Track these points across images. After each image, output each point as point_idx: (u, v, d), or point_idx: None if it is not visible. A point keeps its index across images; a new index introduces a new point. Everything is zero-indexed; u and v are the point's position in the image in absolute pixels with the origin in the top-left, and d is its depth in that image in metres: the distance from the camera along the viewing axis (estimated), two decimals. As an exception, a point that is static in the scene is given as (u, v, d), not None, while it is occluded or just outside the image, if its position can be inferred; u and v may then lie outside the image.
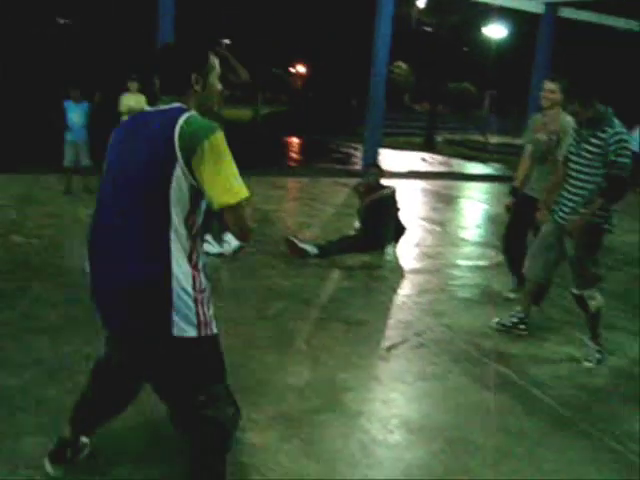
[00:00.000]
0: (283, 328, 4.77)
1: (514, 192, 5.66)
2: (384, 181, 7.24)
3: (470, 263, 7.06)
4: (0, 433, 3.16)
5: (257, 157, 14.19)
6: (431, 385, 4.06)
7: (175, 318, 2.37)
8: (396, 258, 6.90)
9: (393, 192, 7.05)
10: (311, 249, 6.58)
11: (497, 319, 5.06)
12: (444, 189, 12.81)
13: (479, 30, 32.19)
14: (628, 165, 4.25)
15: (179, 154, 2.27)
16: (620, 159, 4.24)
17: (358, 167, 14.84)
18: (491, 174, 16.47)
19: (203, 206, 2.42)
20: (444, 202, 11.34)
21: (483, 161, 20.63)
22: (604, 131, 4.27)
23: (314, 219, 8.67)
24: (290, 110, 38.19)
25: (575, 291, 4.58)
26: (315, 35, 33.74)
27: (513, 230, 5.70)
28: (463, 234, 8.60)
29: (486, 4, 15.50)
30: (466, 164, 20.29)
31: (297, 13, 31.45)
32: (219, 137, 2.32)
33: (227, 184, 2.30)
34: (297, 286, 5.77)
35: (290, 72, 52.88)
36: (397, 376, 4.16)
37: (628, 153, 4.26)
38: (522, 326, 4.96)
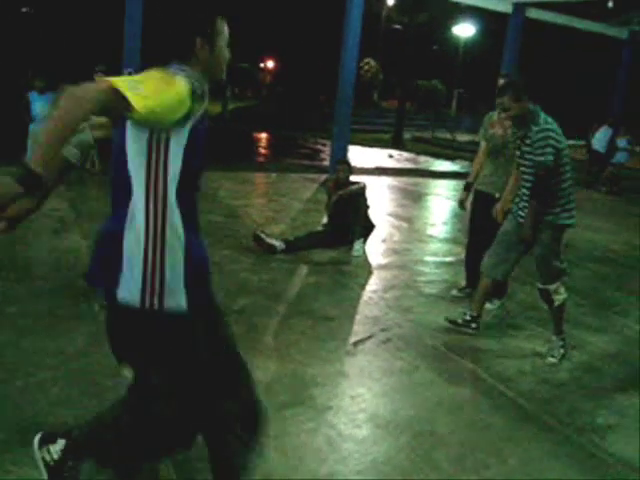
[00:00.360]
0: (250, 323, 4.75)
1: (467, 187, 5.83)
2: (353, 177, 7.26)
3: (437, 259, 7.11)
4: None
5: (225, 152, 14.11)
6: (398, 380, 4.08)
7: (122, 278, 2.20)
8: (364, 254, 6.93)
9: (363, 188, 7.07)
10: (279, 244, 6.57)
11: (446, 316, 5.04)
12: (412, 186, 12.89)
13: (448, 29, 32.46)
14: (543, 163, 4.32)
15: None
16: (538, 158, 4.35)
17: (326, 163, 14.85)
18: (458, 171, 16.58)
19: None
20: (411, 199, 11.40)
21: (450, 158, 20.79)
22: (531, 129, 4.39)
23: (282, 214, 8.65)
24: (259, 105, 38.08)
25: (541, 286, 4.66)
26: (285, 30, 33.69)
27: (474, 227, 5.78)
28: (430, 230, 8.66)
29: (455, 3, 15.61)
30: (434, 161, 20.44)
31: (267, 8, 31.36)
32: (162, 71, 2.14)
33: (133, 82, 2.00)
34: (264, 281, 5.76)
35: (259, 67, 52.71)
36: (364, 371, 4.18)
37: (547, 150, 4.31)
38: (474, 324, 4.90)
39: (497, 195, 5.27)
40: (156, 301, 2.19)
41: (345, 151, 12.56)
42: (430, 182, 13.99)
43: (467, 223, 6.08)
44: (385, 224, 8.49)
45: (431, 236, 8.32)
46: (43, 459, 2.53)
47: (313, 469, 3.07)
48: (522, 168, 4.58)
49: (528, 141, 4.43)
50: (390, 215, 9.29)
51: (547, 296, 4.66)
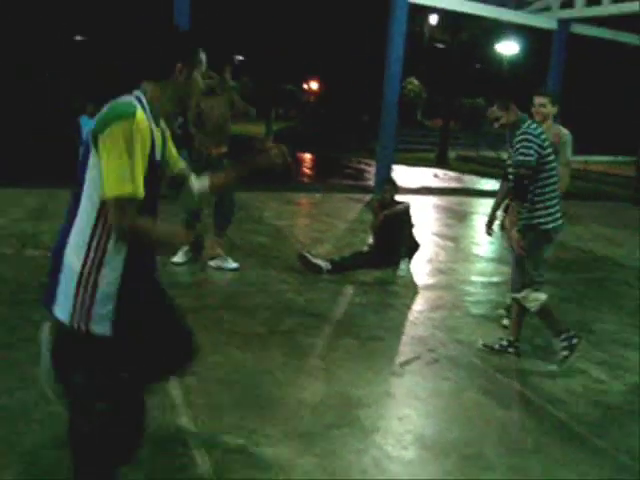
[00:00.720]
0: (296, 343, 4.78)
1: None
2: (398, 197, 7.26)
3: (483, 279, 7.05)
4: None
5: (270, 173, 14.18)
6: (445, 401, 4.05)
7: (58, 295, 2.35)
8: (410, 274, 6.90)
9: (407, 208, 7.06)
10: (325, 264, 6.60)
11: (483, 342, 4.93)
12: (457, 205, 12.81)
13: (491, 47, 32.29)
14: (523, 162, 4.41)
15: (91, 138, 2.26)
16: (519, 157, 4.45)
17: (370, 183, 14.87)
18: (504, 190, 16.41)
19: None
20: (457, 218, 11.34)
21: (496, 177, 20.59)
22: (517, 135, 4.51)
23: (327, 234, 8.69)
24: (302, 126, 38.36)
25: (512, 295, 4.74)
26: (328, 52, 33.96)
27: None
28: (476, 250, 8.59)
29: (498, 21, 15.55)
30: (479, 180, 20.29)
31: (310, 30, 31.68)
32: (124, 126, 2.20)
33: (114, 175, 2.19)
34: (310, 301, 5.78)
35: (303, 88, 53.17)
36: (411, 392, 4.16)
37: (530, 152, 4.40)
38: (511, 349, 4.80)
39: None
40: (83, 326, 2.32)
41: (389, 171, 12.57)
42: (475, 201, 13.89)
43: None
44: (430, 244, 8.45)
45: (477, 255, 8.26)
46: None
47: (360, 491, 3.06)
48: (510, 177, 4.72)
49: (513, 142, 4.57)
50: (435, 234, 9.26)
51: (519, 304, 4.68)
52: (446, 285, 6.68)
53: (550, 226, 4.52)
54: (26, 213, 8.60)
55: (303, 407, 3.79)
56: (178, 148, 8.05)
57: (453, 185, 18.45)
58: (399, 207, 7.05)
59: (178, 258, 6.61)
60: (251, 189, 10.29)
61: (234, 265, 6.63)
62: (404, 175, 18.08)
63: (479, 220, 11.76)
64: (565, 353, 4.55)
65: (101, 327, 2.33)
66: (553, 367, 4.55)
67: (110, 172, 2.19)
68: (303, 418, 3.66)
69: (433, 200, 13.12)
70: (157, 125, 2.42)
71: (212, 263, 6.66)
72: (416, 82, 43.68)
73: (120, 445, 2.52)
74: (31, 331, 4.60)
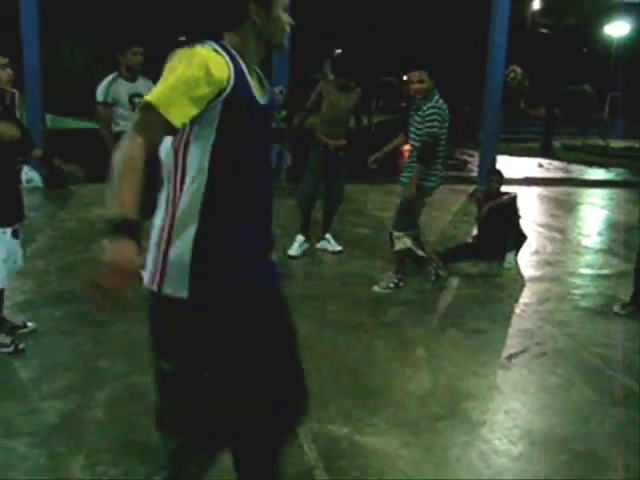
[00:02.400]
0: (401, 335, 4.77)
1: None
2: (503, 188, 7.11)
3: (592, 271, 6.81)
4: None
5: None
6: (554, 396, 3.95)
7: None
8: (516, 266, 6.75)
9: (514, 199, 6.91)
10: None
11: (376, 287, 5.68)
12: (563, 195, 12.40)
13: (600, 29, 31.02)
14: (433, 134, 5.40)
15: None
16: (429, 129, 5.39)
17: (474, 174, 14.59)
18: (613, 179, 15.78)
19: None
20: (564, 209, 10.97)
21: (604, 166, 19.80)
22: (426, 104, 5.41)
23: (431, 226, 8.59)
24: (403, 118, 38.06)
25: (390, 228, 5.70)
26: (428, 41, 33.55)
27: None
28: (585, 241, 8.30)
29: (607, 0, 14.87)
30: (586, 169, 19.55)
31: (410, 20, 31.39)
32: (185, 52, 1.95)
33: (158, 87, 1.91)
34: (414, 293, 5.76)
35: (403, 80, 52.81)
36: (519, 386, 4.08)
37: (435, 124, 5.39)
38: (401, 283, 5.72)
39: None
40: (155, 286, 2.02)
41: (493, 161, 12.29)
42: (583, 191, 13.40)
43: None
44: (537, 235, 8.22)
45: (586, 247, 7.97)
46: None
47: (467, 483, 3.04)
48: (410, 137, 5.60)
49: (420, 112, 5.42)
50: (542, 226, 8.99)
51: (390, 238, 5.68)
52: (554, 277, 6.49)
53: (431, 184, 5.59)
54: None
55: (409, 398, 3.79)
56: (281, 141, 8.26)
57: (559, 175, 17.86)
58: (505, 198, 6.90)
59: (293, 251, 6.75)
60: (352, 181, 10.33)
61: (339, 247, 6.99)
62: (508, 165, 17.66)
63: (587, 211, 11.36)
64: (392, 285, 5.73)
65: (174, 287, 2.01)
66: (378, 289, 5.70)
67: (156, 85, 1.92)
68: (409, 409, 3.66)
69: (538, 191, 12.74)
70: (250, 72, 2.08)
71: (319, 245, 7.02)
72: (519, 70, 42.53)
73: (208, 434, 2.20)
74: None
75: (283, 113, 10.56)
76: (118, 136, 5.51)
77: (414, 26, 31.82)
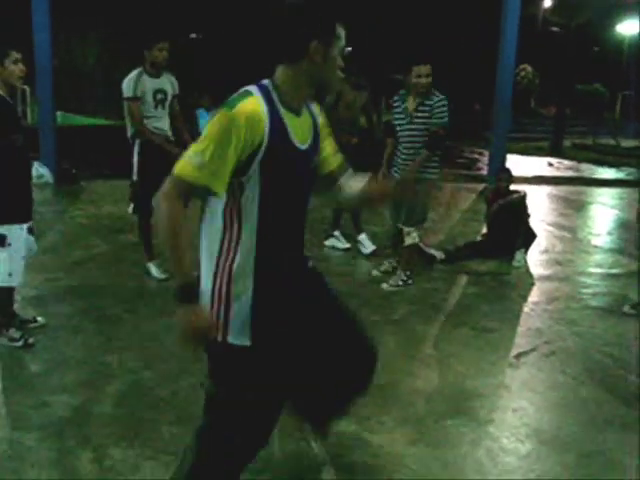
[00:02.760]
0: (410, 332, 4.77)
1: None
2: (513, 186, 7.09)
3: (602, 271, 6.78)
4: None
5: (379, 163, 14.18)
6: (563, 395, 3.94)
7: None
8: (525, 265, 6.73)
9: (523, 197, 6.89)
10: (438, 254, 6.57)
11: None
12: (573, 195, 12.35)
13: (611, 27, 30.87)
14: (446, 124, 5.51)
15: None
16: (441, 120, 5.49)
17: (484, 172, 14.55)
18: (623, 179, 15.69)
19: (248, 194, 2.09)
20: (573, 208, 10.93)
21: (615, 165, 19.69)
22: (431, 99, 5.47)
23: (440, 224, 8.58)
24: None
25: (400, 225, 5.69)
26: (437, 39, 33.45)
27: None
28: (594, 241, 8.26)
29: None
30: (596, 169, 19.45)
31: (418, 16, 31.31)
32: (221, 115, 2.02)
33: (187, 156, 2.03)
34: (423, 291, 5.75)
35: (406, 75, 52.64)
36: (527, 384, 4.07)
37: (446, 114, 5.51)
38: (410, 281, 5.71)
39: None
40: (220, 336, 2.15)
41: (503, 160, 12.25)
42: (593, 190, 13.34)
43: None
44: (546, 234, 8.19)
45: (595, 247, 7.94)
46: None
47: (475, 482, 3.03)
48: (414, 132, 5.51)
49: (427, 107, 5.44)
50: (551, 225, 8.96)
51: (401, 235, 5.70)
52: (563, 276, 6.47)
53: (434, 177, 5.62)
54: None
55: (417, 395, 3.79)
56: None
57: (569, 174, 17.77)
58: (515, 197, 6.88)
59: (341, 245, 6.99)
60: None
61: (347, 245, 7.01)
62: (518, 164, 17.60)
63: (597, 210, 11.32)
64: (401, 282, 5.74)
65: (239, 337, 2.15)
66: (387, 287, 5.70)
67: (186, 153, 2.04)
68: (417, 406, 3.66)
69: (548, 189, 12.69)
70: (297, 113, 2.15)
71: (327, 242, 7.06)
72: (530, 69, 42.37)
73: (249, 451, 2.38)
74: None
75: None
76: (135, 135, 5.52)
77: (423, 24, 31.73)
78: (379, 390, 3.80)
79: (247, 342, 2.15)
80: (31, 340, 4.24)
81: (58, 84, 11.11)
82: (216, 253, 2.14)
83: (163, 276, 5.61)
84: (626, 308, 5.39)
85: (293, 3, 2.15)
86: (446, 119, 5.48)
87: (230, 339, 2.15)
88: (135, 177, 5.55)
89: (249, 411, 2.23)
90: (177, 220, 2.00)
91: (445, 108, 5.47)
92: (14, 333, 4.22)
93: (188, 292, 2.06)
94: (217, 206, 2.12)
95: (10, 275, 4.09)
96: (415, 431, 3.41)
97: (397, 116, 5.68)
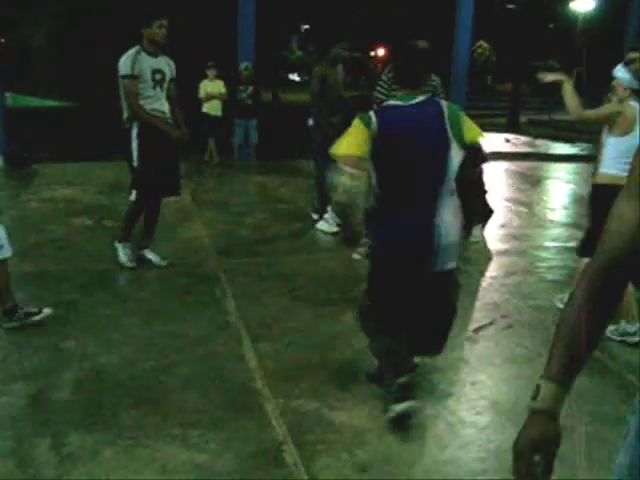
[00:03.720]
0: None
1: None
2: (469, 162, 7.13)
3: (558, 245, 6.89)
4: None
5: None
6: (520, 368, 4.00)
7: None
8: (483, 240, 6.80)
9: (480, 173, 6.92)
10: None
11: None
12: (529, 170, 12.51)
13: (565, 4, 31.15)
14: None
15: (451, 133, 3.12)
16: None
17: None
18: (578, 154, 15.91)
19: None
20: (530, 183, 11.08)
21: (570, 141, 19.96)
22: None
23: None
24: (370, 93, 37.94)
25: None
26: (395, 16, 33.39)
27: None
28: (550, 215, 8.39)
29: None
30: (552, 144, 19.71)
31: (376, -5, 31.18)
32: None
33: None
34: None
35: (370, 55, 52.58)
36: (485, 358, 4.13)
37: None
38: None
39: None
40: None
41: (459, 136, 12.32)
42: (549, 166, 13.53)
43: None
44: (503, 209, 8.29)
45: (551, 221, 8.07)
46: None
47: (434, 455, 3.07)
48: None
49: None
50: (508, 200, 9.07)
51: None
52: (520, 251, 6.56)
53: None
54: (103, 186, 8.79)
55: (376, 372, 3.81)
56: (247, 117, 8.23)
57: (525, 150, 17.97)
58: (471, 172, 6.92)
59: (332, 228, 6.78)
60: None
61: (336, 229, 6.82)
62: (474, 141, 17.69)
63: (553, 185, 11.49)
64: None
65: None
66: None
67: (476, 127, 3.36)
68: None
69: (505, 165, 12.83)
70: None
71: (318, 226, 6.97)
72: (486, 45, 42.58)
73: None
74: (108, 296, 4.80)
75: (249, 89, 10.47)
76: (131, 117, 5.23)
77: (379, 1, 31.61)
78: (339, 368, 3.83)
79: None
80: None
81: (6, 64, 10.80)
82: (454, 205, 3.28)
83: (130, 264, 5.48)
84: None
85: (424, 49, 3.42)
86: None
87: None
88: (136, 163, 5.23)
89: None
90: None
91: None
92: None
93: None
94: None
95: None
96: (375, 407, 3.43)
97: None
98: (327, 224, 6.86)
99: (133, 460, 2.91)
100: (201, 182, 9.25)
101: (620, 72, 4.36)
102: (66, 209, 7.42)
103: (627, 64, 4.41)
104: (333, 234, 6.72)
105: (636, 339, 4.40)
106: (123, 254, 5.50)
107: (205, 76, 10.70)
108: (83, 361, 3.85)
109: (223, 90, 10.84)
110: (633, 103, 4.27)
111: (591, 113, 4.63)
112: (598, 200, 4.37)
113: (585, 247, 4.53)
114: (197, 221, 7.06)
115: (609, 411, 3.51)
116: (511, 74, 30.34)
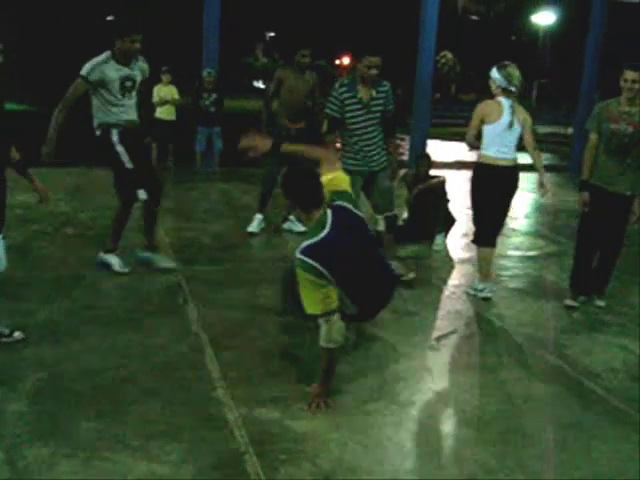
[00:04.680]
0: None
1: (584, 186, 5.24)
2: (433, 171, 7.19)
3: (520, 253, 6.96)
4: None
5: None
6: (482, 376, 4.03)
7: None
8: (445, 248, 6.85)
9: (443, 182, 6.99)
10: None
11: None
12: (492, 179, 12.61)
13: (527, 17, 31.70)
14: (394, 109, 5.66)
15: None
16: (391, 106, 5.54)
17: (405, 157, 14.74)
18: (540, 164, 16.14)
19: None
20: (492, 192, 11.16)
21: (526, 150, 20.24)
22: (382, 84, 5.41)
23: (360, 209, 8.62)
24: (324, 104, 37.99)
25: (389, 213, 5.79)
26: (359, 26, 33.61)
27: (592, 228, 5.24)
28: (512, 224, 8.45)
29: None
30: (514, 154, 19.96)
31: (341, 4, 31.39)
32: None
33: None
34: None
35: (335, 64, 52.77)
36: (448, 366, 4.14)
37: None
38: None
39: (629, 193, 5.05)
40: None
41: (424, 145, 12.43)
42: (511, 175, 13.66)
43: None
44: (466, 218, 8.34)
45: (513, 230, 8.14)
46: None
47: (397, 463, 3.06)
48: (372, 121, 5.37)
49: (381, 95, 5.38)
50: (471, 209, 9.12)
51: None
52: (482, 259, 6.60)
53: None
54: (64, 192, 8.63)
55: (339, 381, 3.78)
56: (211, 126, 8.23)
57: (488, 159, 18.18)
58: (434, 181, 6.98)
59: (253, 228, 6.93)
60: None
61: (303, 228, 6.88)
62: (439, 149, 17.88)
63: (515, 194, 11.58)
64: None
65: None
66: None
67: None
68: (339, 391, 3.66)
69: (468, 174, 12.90)
70: None
71: (285, 225, 7.16)
72: (450, 55, 43.09)
73: None
74: (70, 304, 4.71)
75: (213, 96, 10.41)
76: (104, 125, 5.21)
77: (345, 10, 31.84)
78: (301, 376, 3.81)
79: None
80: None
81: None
82: None
83: (126, 269, 5.43)
84: (568, 302, 5.27)
85: None
86: (393, 104, 5.57)
87: None
88: (128, 165, 5.19)
89: None
90: None
91: (391, 94, 5.54)
92: None
93: None
94: None
95: None
96: (338, 416, 3.41)
97: (350, 107, 5.30)
98: (294, 224, 6.95)
99: (92, 473, 2.84)
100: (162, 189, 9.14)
101: (494, 73, 5.42)
102: (24, 215, 7.26)
103: (499, 68, 5.41)
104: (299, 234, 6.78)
105: (485, 295, 5.31)
106: (115, 262, 5.49)
107: (160, 80, 10.69)
108: (40, 371, 3.76)
109: (177, 96, 10.84)
110: (501, 98, 5.38)
111: (471, 130, 5.65)
112: (477, 176, 5.93)
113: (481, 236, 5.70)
114: (159, 229, 6.97)
115: (568, 418, 3.55)
116: (475, 84, 30.74)
